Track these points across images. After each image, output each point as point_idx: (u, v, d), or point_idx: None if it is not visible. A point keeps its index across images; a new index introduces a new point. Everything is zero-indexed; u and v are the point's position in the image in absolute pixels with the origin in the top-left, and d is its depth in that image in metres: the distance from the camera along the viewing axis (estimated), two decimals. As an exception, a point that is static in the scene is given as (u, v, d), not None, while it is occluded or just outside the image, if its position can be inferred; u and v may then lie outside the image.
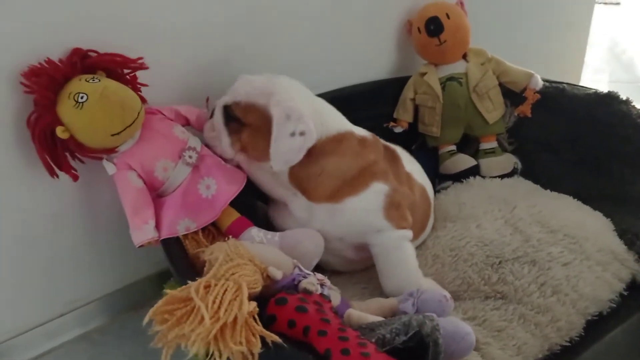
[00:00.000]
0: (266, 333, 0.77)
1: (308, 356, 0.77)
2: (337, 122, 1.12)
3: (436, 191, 1.42)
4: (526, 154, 1.51)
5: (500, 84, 1.47)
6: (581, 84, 1.73)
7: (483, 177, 1.45)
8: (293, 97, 1.04)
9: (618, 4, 3.65)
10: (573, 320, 1.07)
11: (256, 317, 0.78)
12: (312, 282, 0.91)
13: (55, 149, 0.98)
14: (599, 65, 2.89)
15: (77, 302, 1.22)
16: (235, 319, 0.74)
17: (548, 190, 1.40)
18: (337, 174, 1.07)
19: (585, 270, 1.15)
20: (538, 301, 1.07)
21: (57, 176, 1.01)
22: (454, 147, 1.49)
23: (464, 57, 1.48)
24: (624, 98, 1.39)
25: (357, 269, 1.19)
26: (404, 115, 1.50)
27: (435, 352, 0.82)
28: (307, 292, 0.89)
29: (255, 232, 1.04)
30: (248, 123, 1.05)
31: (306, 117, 1.01)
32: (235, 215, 1.07)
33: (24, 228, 1.09)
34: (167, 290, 0.78)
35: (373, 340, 0.79)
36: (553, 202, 1.34)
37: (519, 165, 1.48)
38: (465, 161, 1.46)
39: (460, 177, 1.44)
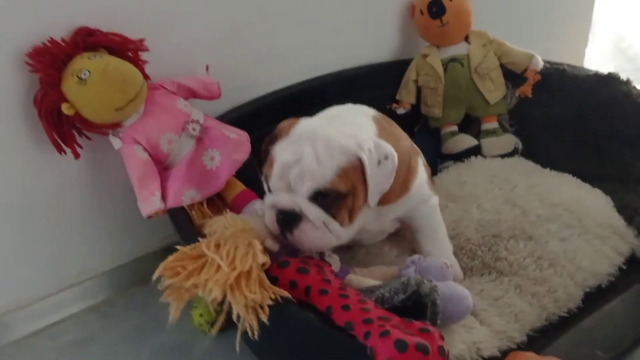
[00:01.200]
0: (275, 289, 0.79)
1: (309, 314, 0.80)
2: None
3: (438, 170, 1.44)
4: (527, 135, 1.53)
5: (501, 66, 1.48)
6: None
7: (484, 157, 1.46)
8: (355, 127, 0.99)
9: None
10: (571, 291, 1.09)
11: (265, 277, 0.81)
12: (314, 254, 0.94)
13: (61, 125, 1.01)
14: (602, 61, 2.89)
15: (86, 273, 1.25)
16: (250, 269, 0.77)
17: (548, 169, 1.41)
18: (404, 168, 1.04)
19: (584, 244, 1.16)
20: (534, 274, 1.09)
21: (65, 152, 1.05)
22: (455, 128, 1.51)
23: (466, 39, 1.50)
24: (625, 79, 1.41)
25: (379, 239, 1.20)
26: (406, 97, 1.52)
27: (433, 312, 0.84)
28: (307, 257, 0.91)
29: (259, 204, 1.07)
30: (347, 190, 0.94)
31: (379, 140, 0.96)
32: (240, 187, 1.10)
33: (33, 202, 1.13)
34: (178, 247, 0.80)
35: (373, 299, 0.82)
36: (553, 180, 1.35)
37: (520, 146, 1.50)
38: (466, 141, 1.48)
39: (461, 156, 1.46)
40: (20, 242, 1.14)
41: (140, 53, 1.07)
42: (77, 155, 1.05)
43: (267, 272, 0.85)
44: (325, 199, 0.92)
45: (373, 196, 0.96)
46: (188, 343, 1.16)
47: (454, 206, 1.26)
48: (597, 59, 2.65)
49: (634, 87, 1.39)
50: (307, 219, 0.92)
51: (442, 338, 0.73)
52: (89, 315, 1.24)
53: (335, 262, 0.97)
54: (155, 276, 0.79)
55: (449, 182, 1.36)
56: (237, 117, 1.26)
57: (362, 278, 0.94)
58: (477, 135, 1.51)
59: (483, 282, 1.11)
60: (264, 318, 0.77)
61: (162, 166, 1.07)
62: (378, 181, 0.96)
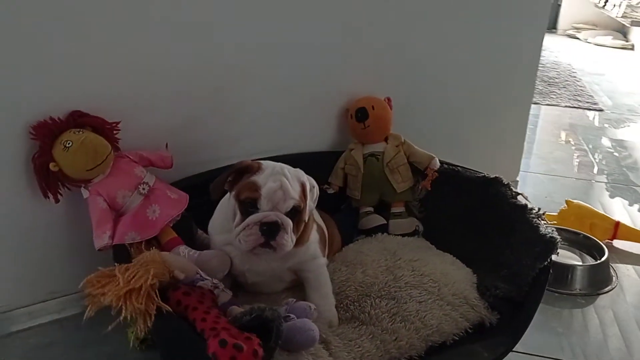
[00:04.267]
0: (161, 303, 1.14)
1: (184, 323, 1.15)
2: None
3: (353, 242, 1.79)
4: (432, 221, 1.87)
5: (410, 163, 1.85)
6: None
7: (389, 234, 1.81)
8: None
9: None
10: (414, 342, 1.39)
11: (157, 292, 1.16)
12: (207, 283, 1.29)
13: (48, 178, 1.41)
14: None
15: (56, 293, 1.61)
16: (141, 287, 1.12)
17: (434, 248, 1.74)
18: (309, 228, 1.47)
19: (436, 307, 1.48)
20: (387, 325, 1.41)
21: (48, 198, 1.44)
22: (371, 209, 1.87)
23: (386, 139, 1.88)
24: (505, 182, 1.75)
25: (278, 288, 1.54)
26: (335, 180, 1.90)
27: (276, 335, 1.16)
28: (200, 287, 1.26)
29: (182, 248, 1.43)
30: (303, 206, 1.35)
31: (308, 176, 1.42)
32: (172, 234, 1.46)
33: (26, 232, 1.52)
34: (99, 268, 1.17)
35: (229, 319, 1.16)
36: (433, 256, 1.68)
37: (420, 228, 1.84)
38: (376, 220, 1.83)
39: (371, 232, 1.81)
40: (10, 260, 1.52)
41: (115, 131, 1.48)
42: (56, 200, 1.44)
43: (167, 294, 1.20)
44: (294, 212, 1.32)
45: (308, 213, 1.39)
46: (122, 352, 1.50)
47: (345, 269, 1.59)
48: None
49: (511, 188, 1.73)
50: (283, 230, 1.30)
51: (261, 346, 1.07)
52: (53, 326, 1.59)
53: (224, 296, 1.31)
54: (80, 286, 1.15)
55: (350, 251, 1.69)
56: (187, 184, 1.63)
57: (240, 308, 1.28)
58: (388, 217, 1.86)
59: (347, 327, 1.42)
60: (149, 323, 1.12)
61: (117, 213, 1.45)
62: (310, 202, 1.40)
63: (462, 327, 1.48)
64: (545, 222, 1.59)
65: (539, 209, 1.63)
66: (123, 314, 1.10)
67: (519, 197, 1.70)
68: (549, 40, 5.71)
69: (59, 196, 1.45)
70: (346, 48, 1.92)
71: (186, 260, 1.36)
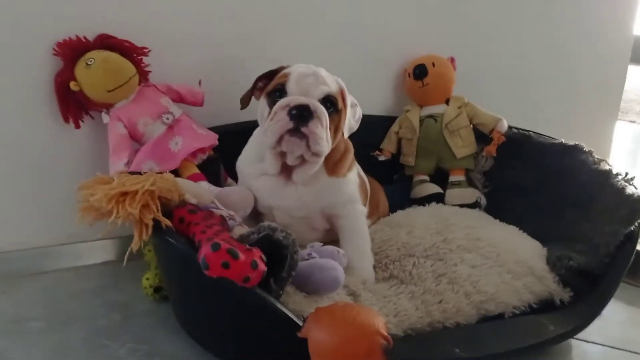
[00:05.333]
0: (160, 216, 0.99)
1: (182, 238, 0.98)
2: None
3: (401, 211, 1.58)
4: (498, 196, 1.64)
5: (474, 127, 1.63)
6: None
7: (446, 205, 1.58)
8: None
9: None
10: (462, 308, 1.17)
11: (157, 204, 1.00)
12: (222, 212, 1.13)
13: (68, 98, 1.32)
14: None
15: (76, 237, 1.49)
16: (136, 192, 0.97)
17: (497, 220, 1.49)
18: (349, 157, 1.30)
19: (493, 273, 1.24)
20: (430, 286, 1.19)
21: (69, 122, 1.34)
22: (426, 177, 1.66)
23: (447, 102, 1.67)
24: (587, 149, 1.49)
25: (310, 240, 1.31)
26: (388, 146, 1.70)
27: (290, 264, 0.98)
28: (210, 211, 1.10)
29: (203, 184, 1.29)
30: (340, 108, 1.19)
31: None
32: (194, 170, 1.33)
33: (46, 166, 1.42)
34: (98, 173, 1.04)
35: (235, 237, 0.99)
36: (495, 225, 1.45)
37: (482, 200, 1.60)
38: (430, 188, 1.62)
39: (425, 201, 1.59)
40: (30, 196, 1.42)
41: (143, 56, 1.37)
42: (77, 125, 1.34)
43: (169, 210, 1.05)
44: (330, 106, 1.14)
45: (346, 128, 1.21)
46: (133, 302, 1.35)
47: (389, 230, 1.39)
48: None
49: (593, 156, 1.47)
50: (317, 118, 1.11)
51: (263, 260, 0.88)
52: (69, 272, 1.47)
53: (241, 230, 1.14)
54: (77, 188, 1.02)
55: (398, 215, 1.49)
56: (221, 131, 1.48)
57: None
58: (445, 187, 1.64)
59: (382, 285, 1.21)
60: (144, 235, 0.97)
61: (139, 142, 1.33)
62: (349, 118, 1.21)
63: (525, 300, 1.23)
64: (634, 186, 1.32)
65: (627, 174, 1.37)
66: (113, 217, 0.95)
67: (602, 164, 1.43)
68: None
69: (81, 122, 1.35)
70: (408, 3, 1.75)
71: (202, 188, 1.21)
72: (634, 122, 3.84)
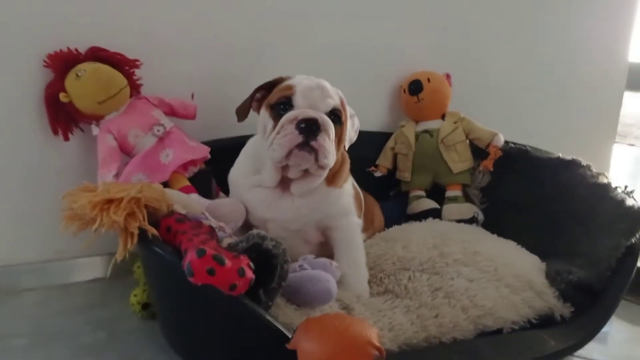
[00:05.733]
0: (147, 225, 0.96)
1: (168, 247, 0.95)
2: None
3: (397, 227, 1.54)
4: (496, 212, 1.61)
5: (470, 142, 1.61)
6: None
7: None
8: None
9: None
10: (459, 322, 1.12)
11: (144, 213, 0.97)
12: (211, 223, 1.09)
13: (58, 110, 1.30)
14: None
15: (64, 253, 1.45)
16: (122, 199, 0.94)
17: (495, 235, 1.46)
18: (346, 168, 1.27)
19: (490, 287, 1.20)
20: (426, 300, 1.15)
21: (58, 134, 1.32)
22: (422, 193, 1.63)
23: (442, 117, 1.66)
24: (584, 163, 1.47)
25: (302, 251, 1.27)
26: (384, 162, 1.68)
27: (280, 275, 0.95)
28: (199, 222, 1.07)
29: (194, 196, 1.26)
30: (343, 120, 1.18)
31: None
32: (185, 182, 1.30)
33: (34, 180, 1.39)
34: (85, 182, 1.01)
35: (224, 246, 0.95)
36: (492, 240, 1.41)
37: (480, 216, 1.57)
38: (427, 203, 1.59)
39: (421, 217, 1.56)
40: (18, 209, 1.39)
41: (134, 68, 1.35)
42: (66, 138, 1.32)
43: (156, 220, 1.02)
44: (335, 118, 1.13)
45: (346, 140, 1.20)
46: (120, 319, 1.31)
47: (384, 244, 1.35)
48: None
49: (591, 170, 1.45)
50: (324, 131, 1.09)
51: (251, 268, 0.85)
52: (57, 290, 1.43)
53: (227, 241, 1.11)
54: (62, 197, 0.99)
55: (393, 230, 1.46)
56: (214, 146, 1.44)
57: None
58: (442, 203, 1.61)
59: (377, 299, 1.17)
60: (129, 245, 0.94)
61: (129, 155, 1.31)
62: (349, 129, 1.19)
63: (524, 315, 1.19)
64: (634, 198, 1.29)
65: (626, 187, 1.34)
66: (97, 224, 0.92)
67: (601, 177, 1.41)
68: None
69: (70, 135, 1.33)
70: (404, 20, 1.75)
71: (192, 199, 1.18)
72: (633, 145, 3.85)
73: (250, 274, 0.83)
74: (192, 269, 0.80)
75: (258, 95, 1.21)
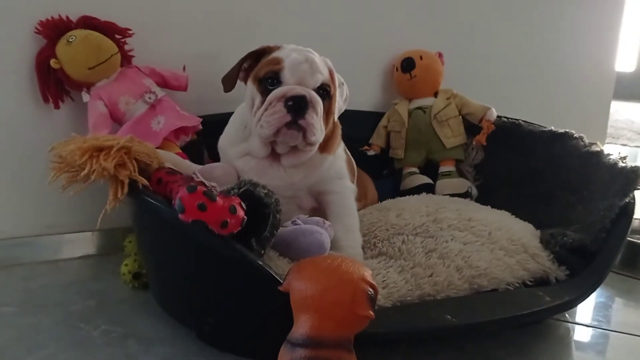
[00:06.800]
0: (137, 176, 0.95)
1: (158, 197, 0.94)
2: None
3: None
4: (490, 188, 1.60)
5: (463, 118, 1.61)
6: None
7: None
8: None
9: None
10: (454, 281, 1.11)
11: (134, 163, 0.96)
12: (203, 181, 1.08)
13: (48, 77, 1.29)
14: None
15: (55, 227, 1.43)
16: (112, 146, 0.93)
17: (488, 207, 1.45)
18: (338, 134, 1.26)
19: (485, 250, 1.20)
20: (420, 260, 1.14)
21: (49, 101, 1.31)
22: (416, 169, 1.63)
23: (435, 95, 1.66)
24: (577, 135, 1.47)
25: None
26: (377, 140, 1.68)
27: (273, 224, 0.94)
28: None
29: (187, 162, 1.24)
30: (332, 93, 1.16)
31: None
32: (176, 149, 1.29)
33: (27, 151, 1.37)
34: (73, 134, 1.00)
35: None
36: (486, 210, 1.40)
37: (473, 191, 1.56)
38: (420, 179, 1.58)
39: (415, 192, 1.55)
40: (8, 182, 1.38)
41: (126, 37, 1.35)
42: (56, 106, 1.31)
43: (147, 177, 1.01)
44: (323, 94, 1.11)
45: (336, 111, 1.17)
46: (110, 290, 1.29)
47: (377, 213, 1.34)
48: None
49: (584, 140, 1.45)
50: (312, 108, 1.08)
51: (242, 208, 0.84)
52: (49, 265, 1.41)
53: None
54: (49, 150, 0.98)
55: (387, 202, 1.45)
56: (205, 121, 1.44)
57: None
58: (435, 178, 1.60)
59: (369, 261, 1.16)
60: (120, 194, 0.92)
61: (120, 123, 1.30)
62: (338, 99, 1.17)
63: (519, 277, 1.18)
64: (626, 162, 1.29)
65: (619, 152, 1.34)
66: (86, 170, 0.91)
67: (593, 146, 1.41)
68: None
69: (61, 104, 1.32)
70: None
71: (184, 161, 1.17)
72: (625, 145, 3.94)
73: (241, 212, 0.82)
74: (183, 204, 0.79)
75: (245, 64, 1.19)
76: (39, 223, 1.43)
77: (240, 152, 1.21)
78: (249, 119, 1.17)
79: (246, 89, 1.19)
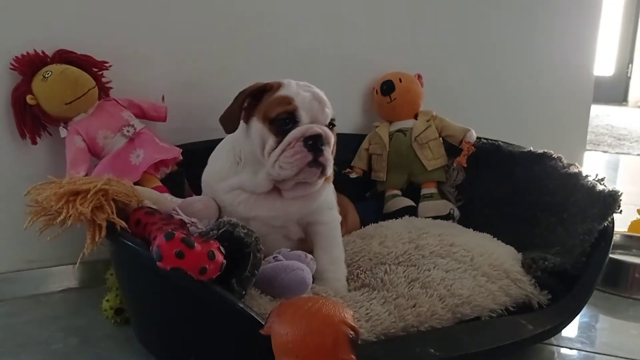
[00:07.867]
0: (115, 218, 0.94)
1: (137, 240, 0.93)
2: None
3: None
4: (472, 209, 1.61)
5: (443, 140, 1.62)
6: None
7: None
8: None
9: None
10: (437, 310, 1.11)
11: (112, 205, 0.95)
12: (183, 218, 1.08)
13: (25, 113, 1.28)
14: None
15: (35, 262, 1.42)
16: (88, 190, 0.92)
17: (470, 229, 1.46)
18: None
19: (467, 277, 1.20)
20: (403, 291, 1.14)
21: (25, 137, 1.29)
22: (398, 192, 1.63)
23: (415, 117, 1.67)
24: (555, 156, 1.48)
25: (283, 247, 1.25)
26: (359, 163, 1.69)
27: (253, 263, 0.93)
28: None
29: (166, 195, 1.24)
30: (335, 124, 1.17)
31: None
32: (156, 182, 1.29)
33: (5, 186, 1.36)
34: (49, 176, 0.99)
35: (195, 234, 0.94)
36: (468, 234, 1.41)
37: (455, 212, 1.57)
38: (403, 201, 1.59)
39: (397, 215, 1.55)
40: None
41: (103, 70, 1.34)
42: (33, 141, 1.30)
43: (126, 216, 1.00)
44: (332, 127, 1.14)
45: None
46: (93, 326, 1.27)
47: (360, 241, 1.34)
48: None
49: (562, 161, 1.46)
50: (327, 144, 1.11)
51: (222, 252, 0.83)
52: (29, 300, 1.39)
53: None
54: (25, 194, 0.97)
55: (370, 227, 1.45)
56: (185, 150, 1.42)
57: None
58: (418, 201, 1.61)
59: (353, 293, 1.16)
60: (97, 237, 0.92)
61: (98, 157, 1.29)
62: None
63: (501, 303, 1.18)
64: (604, 185, 1.30)
65: (597, 174, 1.35)
66: (62, 216, 0.90)
67: (572, 167, 1.42)
68: (618, 112, 5.51)
69: (37, 138, 1.31)
70: (374, 22, 1.77)
71: (163, 196, 1.16)
72: (606, 152, 3.99)
73: (220, 258, 0.82)
74: (161, 252, 0.79)
75: (245, 103, 1.16)
76: (19, 258, 1.41)
77: (230, 186, 1.20)
78: (252, 157, 1.16)
79: (249, 128, 1.16)
